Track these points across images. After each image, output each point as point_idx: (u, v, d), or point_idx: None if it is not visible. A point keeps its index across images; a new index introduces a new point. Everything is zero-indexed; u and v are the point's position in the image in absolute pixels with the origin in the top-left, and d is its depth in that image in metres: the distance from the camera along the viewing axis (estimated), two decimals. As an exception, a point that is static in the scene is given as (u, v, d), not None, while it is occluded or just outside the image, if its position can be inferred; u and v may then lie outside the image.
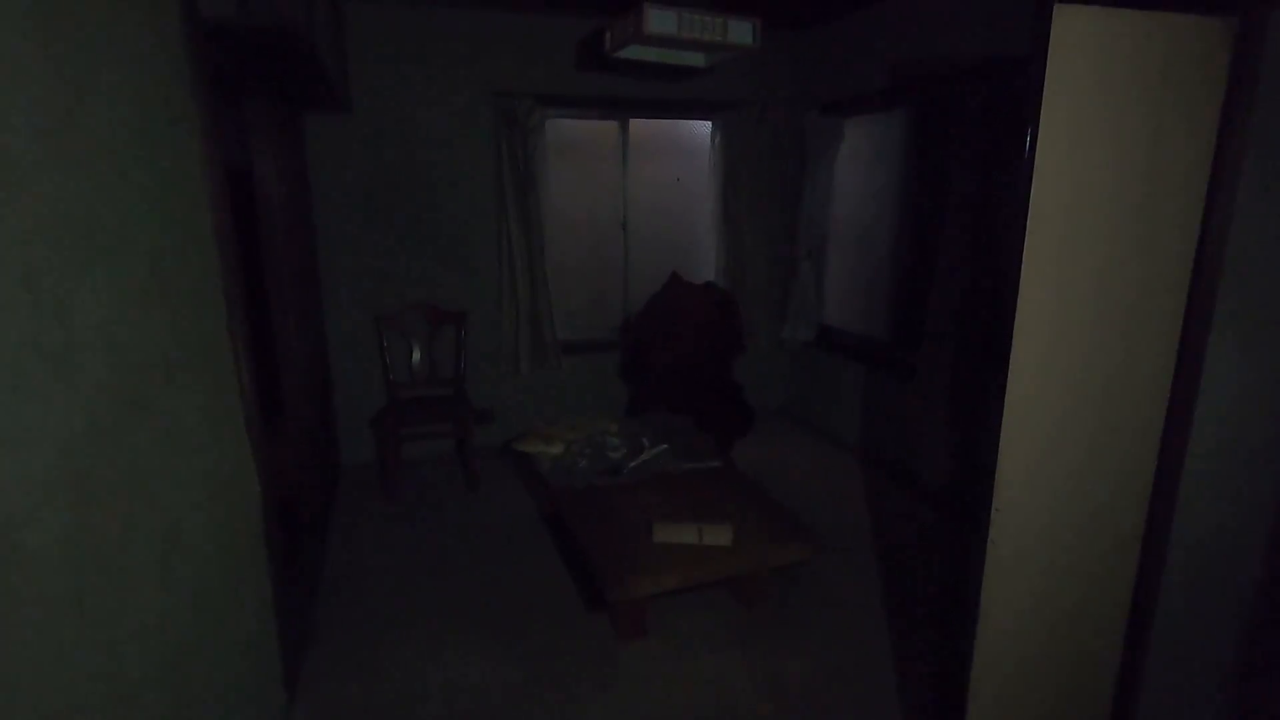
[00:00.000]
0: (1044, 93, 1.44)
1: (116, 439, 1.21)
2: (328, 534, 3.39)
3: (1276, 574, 1.67)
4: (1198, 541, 1.79)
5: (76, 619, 1.06)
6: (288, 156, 3.11)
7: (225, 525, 1.74)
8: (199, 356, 1.63)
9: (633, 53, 2.69)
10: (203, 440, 1.61)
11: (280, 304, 2.90)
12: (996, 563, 1.71)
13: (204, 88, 1.73)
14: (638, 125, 4.45)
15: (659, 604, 2.72)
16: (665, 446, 3.27)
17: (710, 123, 4.51)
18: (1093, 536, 1.80)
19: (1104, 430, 1.71)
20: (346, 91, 3.64)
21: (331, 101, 3.39)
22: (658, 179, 4.61)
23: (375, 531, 3.42)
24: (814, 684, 2.35)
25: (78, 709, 1.05)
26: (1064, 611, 1.83)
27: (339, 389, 4.10)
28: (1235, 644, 1.76)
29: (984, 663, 1.78)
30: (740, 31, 2.60)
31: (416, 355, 4.02)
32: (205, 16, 1.79)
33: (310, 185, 3.80)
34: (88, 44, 1.19)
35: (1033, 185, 1.50)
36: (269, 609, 2.06)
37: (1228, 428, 1.70)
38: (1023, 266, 1.53)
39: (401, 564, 3.12)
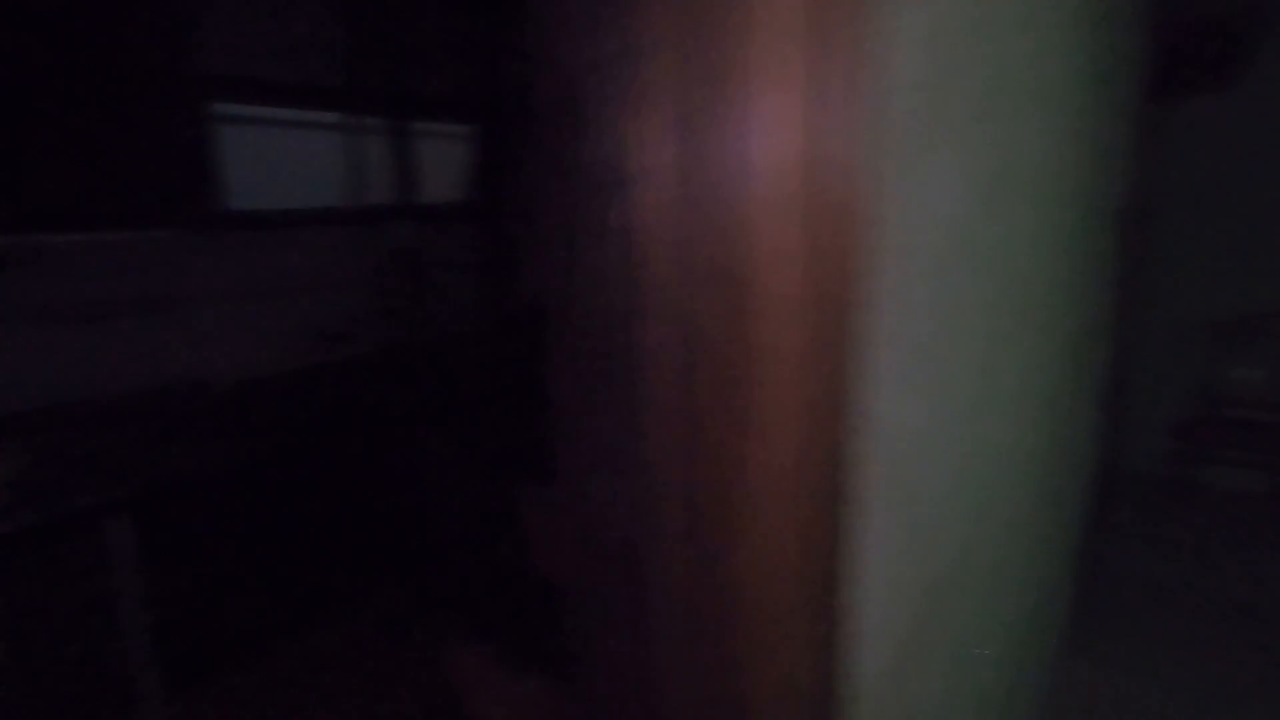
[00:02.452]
0: None
1: (1060, 389, 1.56)
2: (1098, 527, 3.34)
3: None
4: None
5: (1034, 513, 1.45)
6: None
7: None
8: (1089, 340, 1.88)
9: None
10: (1079, 409, 1.87)
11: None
12: None
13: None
14: None
15: None
16: None
17: None
18: None
19: None
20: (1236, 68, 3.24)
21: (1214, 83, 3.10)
22: None
23: (1143, 541, 3.20)
24: None
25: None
26: None
27: (1133, 388, 3.87)
28: None
29: None
30: None
31: (1255, 371, 3.39)
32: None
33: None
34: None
35: None
36: (1069, 566, 2.23)
37: None
38: None
39: (1167, 590, 2.84)
